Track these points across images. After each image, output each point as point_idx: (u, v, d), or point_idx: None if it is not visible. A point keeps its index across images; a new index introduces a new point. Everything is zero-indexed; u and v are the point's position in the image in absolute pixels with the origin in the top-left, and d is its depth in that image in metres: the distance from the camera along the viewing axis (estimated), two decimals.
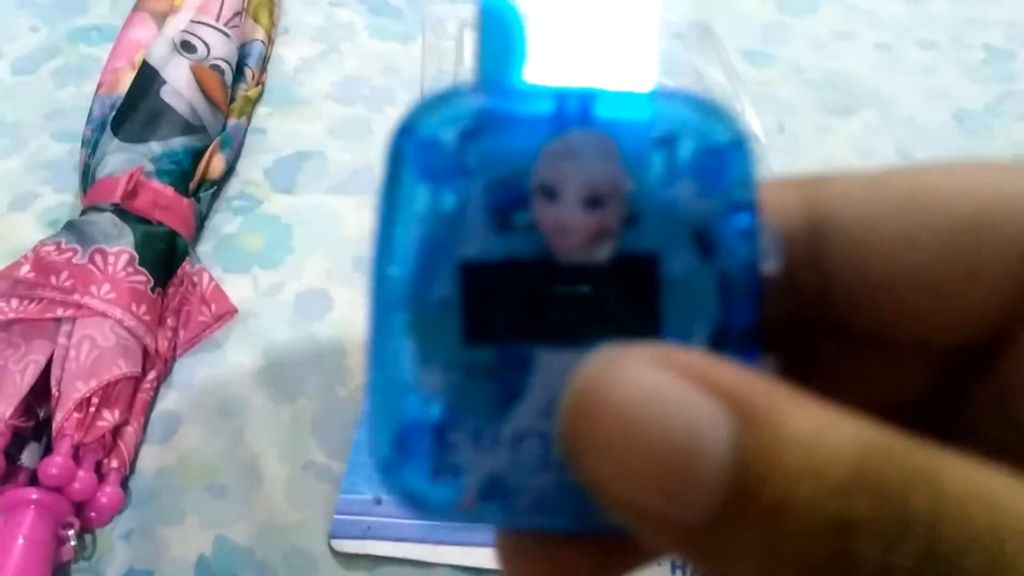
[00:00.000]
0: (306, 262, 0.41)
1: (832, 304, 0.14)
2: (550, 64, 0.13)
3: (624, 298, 0.13)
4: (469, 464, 0.13)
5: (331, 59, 0.52)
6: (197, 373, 0.37)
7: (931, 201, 0.13)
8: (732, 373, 0.11)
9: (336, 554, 0.32)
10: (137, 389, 0.34)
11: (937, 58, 0.55)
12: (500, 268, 0.13)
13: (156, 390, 0.36)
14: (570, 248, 0.13)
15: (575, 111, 0.13)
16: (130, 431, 0.33)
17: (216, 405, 0.36)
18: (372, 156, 0.46)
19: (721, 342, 0.13)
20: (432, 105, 0.13)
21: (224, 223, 0.42)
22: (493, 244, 0.13)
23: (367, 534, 0.33)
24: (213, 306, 0.38)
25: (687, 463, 0.10)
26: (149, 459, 0.34)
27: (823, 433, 0.10)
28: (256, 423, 0.35)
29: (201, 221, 0.41)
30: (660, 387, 0.10)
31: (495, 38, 0.13)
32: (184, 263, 0.38)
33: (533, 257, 0.13)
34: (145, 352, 0.35)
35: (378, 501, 0.33)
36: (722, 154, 0.13)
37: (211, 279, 0.38)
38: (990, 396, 0.13)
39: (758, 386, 0.10)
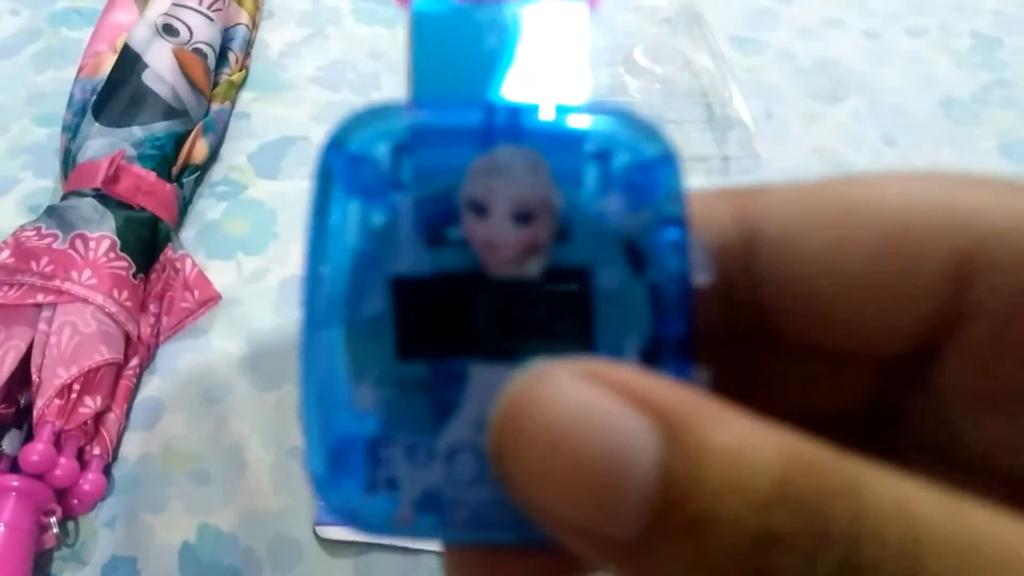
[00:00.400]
0: (291, 248, 0.41)
1: (767, 314, 0.14)
2: (480, 77, 0.13)
3: (556, 312, 0.13)
4: (404, 479, 0.13)
5: (316, 43, 0.52)
6: (181, 360, 0.37)
7: (860, 212, 0.13)
8: (660, 387, 0.11)
9: (322, 541, 0.32)
10: (119, 376, 0.34)
11: (925, 45, 0.55)
12: (432, 283, 0.13)
13: (139, 376, 0.35)
14: (501, 263, 0.13)
15: (504, 124, 0.13)
16: (112, 418, 0.33)
17: (200, 392, 0.36)
18: None
19: (653, 355, 0.13)
20: (362, 120, 0.13)
21: (208, 208, 0.42)
22: (424, 259, 0.13)
23: None
24: (196, 292, 0.37)
25: (614, 479, 0.10)
26: (132, 446, 0.34)
27: (747, 446, 0.10)
28: (240, 409, 0.35)
29: (184, 206, 0.41)
30: (588, 402, 0.10)
31: (428, 46, 0.13)
32: (167, 249, 0.38)
33: (465, 272, 0.13)
34: (127, 338, 0.34)
35: None
36: (652, 168, 0.13)
37: (194, 265, 0.38)
38: (929, 406, 0.13)
39: (685, 399, 0.10)
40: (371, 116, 0.13)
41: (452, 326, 0.13)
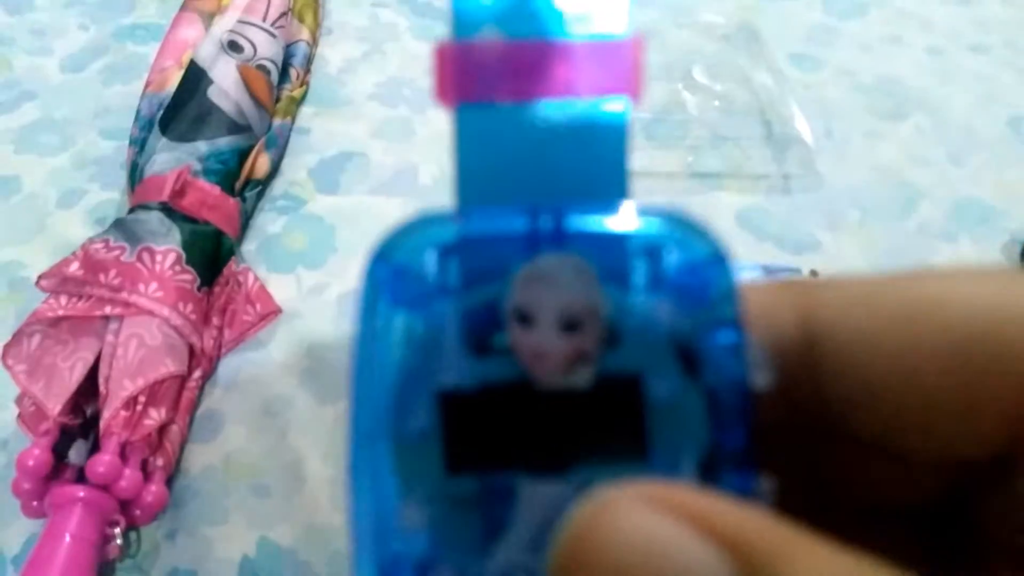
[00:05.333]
0: (349, 262, 0.41)
1: (832, 414, 0.13)
2: (527, 177, 0.13)
3: (608, 423, 0.13)
4: None
5: (374, 59, 0.52)
6: (241, 372, 0.37)
7: (931, 314, 0.12)
8: (730, 513, 0.10)
9: None
10: (183, 388, 0.35)
11: (989, 62, 0.54)
12: (478, 396, 0.13)
13: (201, 389, 0.36)
14: (549, 373, 0.13)
15: (549, 228, 0.13)
16: (175, 430, 0.34)
17: (260, 405, 0.36)
18: (414, 157, 0.46)
19: (713, 466, 0.12)
20: (407, 230, 0.13)
21: (268, 223, 0.43)
22: (471, 370, 0.13)
23: None
24: (258, 305, 0.37)
25: None
26: (194, 458, 0.35)
27: (819, 568, 0.09)
28: (300, 423, 0.35)
29: (246, 221, 0.41)
30: (655, 533, 0.10)
31: (474, 148, 0.13)
32: (230, 262, 0.38)
33: (512, 383, 0.13)
34: (191, 351, 0.35)
35: None
36: (702, 268, 0.13)
37: (256, 279, 0.38)
38: (1006, 507, 0.13)
39: (759, 527, 0.10)
40: (417, 225, 0.13)
41: (501, 440, 0.13)
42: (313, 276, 0.40)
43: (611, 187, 0.13)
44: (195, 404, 0.35)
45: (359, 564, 0.13)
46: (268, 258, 0.41)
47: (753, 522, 0.10)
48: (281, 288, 0.39)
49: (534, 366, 0.13)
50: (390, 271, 0.13)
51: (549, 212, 0.13)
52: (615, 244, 0.13)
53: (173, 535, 0.32)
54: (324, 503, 0.33)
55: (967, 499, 0.13)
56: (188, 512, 0.33)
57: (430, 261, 0.13)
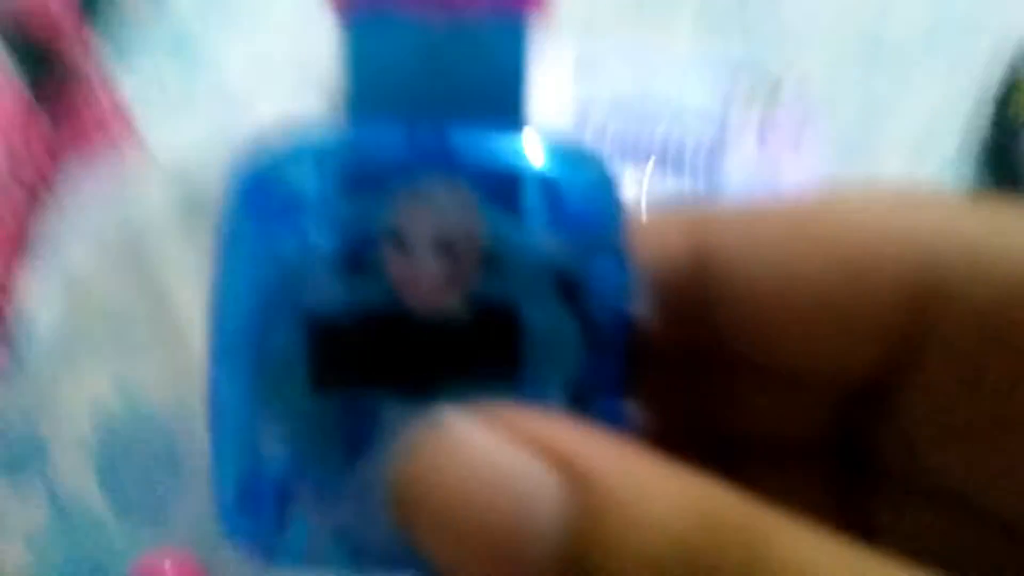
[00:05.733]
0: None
1: (724, 339, 0.14)
2: (419, 96, 0.13)
3: (480, 350, 0.13)
4: (314, 516, 0.13)
5: None
6: (97, 205, 0.33)
7: (814, 235, 0.13)
8: (571, 437, 0.10)
9: None
10: (22, 225, 0.31)
11: None
12: (346, 316, 0.13)
13: (46, 222, 0.32)
14: (421, 298, 0.12)
15: (431, 149, 0.13)
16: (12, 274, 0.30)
17: (123, 242, 0.32)
18: None
19: (583, 394, 0.13)
20: (279, 141, 0.13)
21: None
22: (339, 291, 0.12)
23: None
24: (112, 127, 0.33)
25: (517, 537, 0.10)
26: (43, 300, 0.31)
27: (650, 501, 0.10)
28: (167, 260, 0.32)
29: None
30: (493, 453, 0.10)
31: (364, 60, 0.13)
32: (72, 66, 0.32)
33: (382, 305, 0.12)
34: (23, 182, 0.30)
35: None
36: (587, 197, 0.13)
37: (110, 91, 0.33)
38: (898, 438, 0.13)
39: (599, 450, 0.10)
40: (291, 136, 0.13)
41: (367, 361, 0.13)
42: (177, 81, 0.35)
43: (506, 107, 0.13)
44: (33, 234, 0.31)
45: (218, 480, 0.13)
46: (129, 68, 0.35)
47: (594, 445, 0.10)
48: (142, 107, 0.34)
49: (407, 290, 0.12)
50: (258, 183, 0.13)
51: (434, 131, 0.13)
52: (500, 170, 0.13)
53: (19, 382, 0.30)
54: (198, 348, 0.30)
55: (858, 430, 0.14)
56: (37, 359, 0.30)
57: (303, 175, 0.12)
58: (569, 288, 0.13)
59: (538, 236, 0.13)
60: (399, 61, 0.13)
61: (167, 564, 0.28)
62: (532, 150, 0.13)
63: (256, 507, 0.13)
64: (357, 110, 0.13)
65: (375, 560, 0.13)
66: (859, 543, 0.09)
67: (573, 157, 0.13)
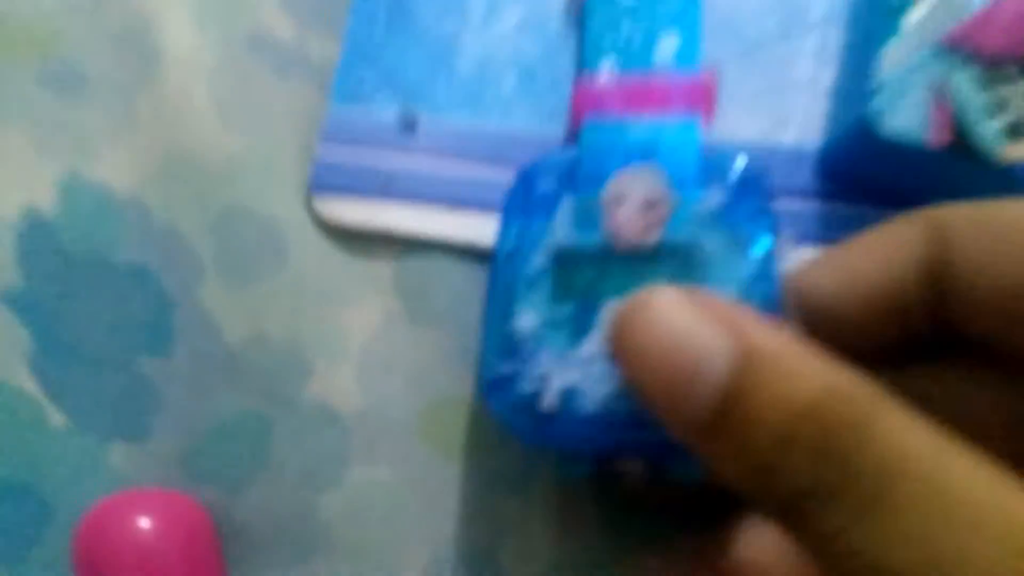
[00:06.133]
0: None
1: (957, 328, 0.16)
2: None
3: (670, 273, 0.19)
4: (553, 375, 0.19)
5: None
6: None
7: None
8: (744, 316, 0.14)
9: (323, 226, 0.24)
10: None
11: None
12: (579, 250, 0.19)
13: None
14: (631, 237, 0.19)
15: (641, 144, 0.20)
16: None
17: None
18: None
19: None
20: (541, 158, 0.21)
21: None
22: (576, 236, 0.19)
23: (385, 190, 0.24)
24: None
25: (693, 372, 0.14)
26: None
27: (797, 374, 0.13)
28: None
29: None
30: (684, 313, 0.14)
31: (590, 146, 0.21)
32: None
33: (604, 244, 0.19)
34: None
35: (409, 124, 0.24)
36: (749, 183, 0.19)
37: None
38: None
39: (761, 330, 0.14)
40: (547, 156, 0.21)
41: (590, 284, 0.19)
42: None
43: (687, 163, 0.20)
44: None
45: (487, 359, 0.19)
46: None
47: (760, 327, 0.14)
48: None
49: (618, 231, 0.19)
50: (528, 182, 0.20)
51: (641, 131, 0.20)
52: (688, 160, 0.20)
53: None
54: (206, 115, 0.24)
55: None
56: None
57: (555, 176, 0.20)
58: (737, 237, 0.19)
59: (714, 203, 0.19)
60: (614, 146, 0.20)
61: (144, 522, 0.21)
62: (713, 151, 0.20)
63: (506, 365, 0.19)
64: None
65: (593, 411, 0.18)
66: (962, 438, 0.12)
67: (732, 159, 0.19)
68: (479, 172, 0.24)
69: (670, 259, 0.19)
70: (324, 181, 0.24)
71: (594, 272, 0.19)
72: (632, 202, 0.19)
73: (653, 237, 0.19)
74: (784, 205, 0.23)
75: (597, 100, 0.21)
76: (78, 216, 0.24)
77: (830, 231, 0.23)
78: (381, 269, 0.23)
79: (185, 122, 0.24)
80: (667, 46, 0.21)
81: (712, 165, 0.19)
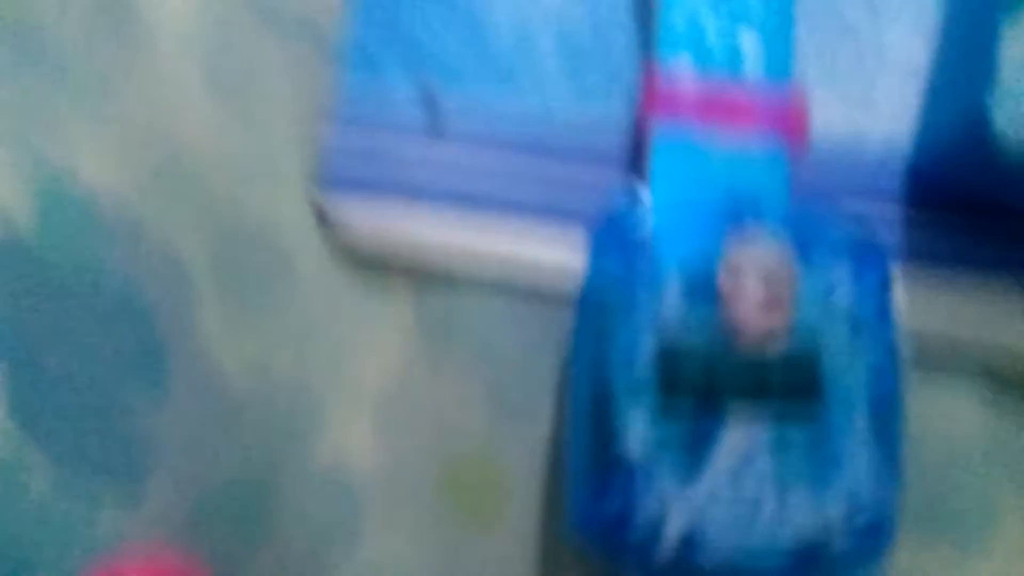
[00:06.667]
0: None
1: None
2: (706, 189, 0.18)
3: (791, 386, 0.16)
4: (670, 518, 0.16)
5: None
6: None
7: None
8: None
9: (335, 246, 0.21)
10: None
11: None
12: (690, 354, 0.16)
13: None
14: (750, 342, 0.16)
15: (747, 209, 0.17)
16: None
17: None
18: None
19: (878, 413, 0.16)
20: (623, 213, 0.17)
21: None
22: (685, 333, 0.16)
23: (406, 185, 0.20)
24: None
25: None
26: None
27: None
28: None
29: None
30: None
31: (666, 152, 0.18)
32: None
33: (719, 346, 0.16)
34: None
35: (431, 104, 0.21)
36: (865, 255, 0.17)
37: None
38: None
39: None
40: (629, 208, 0.17)
41: (707, 392, 0.16)
42: None
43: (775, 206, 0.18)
44: None
45: (578, 489, 0.17)
46: None
47: None
48: None
49: (740, 335, 0.16)
50: (611, 249, 0.17)
51: (747, 201, 0.17)
52: (808, 233, 0.17)
53: None
54: (195, 94, 0.21)
55: None
56: None
57: (646, 241, 0.17)
58: (859, 331, 0.16)
59: (836, 294, 0.16)
60: (693, 167, 0.18)
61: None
62: (825, 220, 0.17)
63: (608, 503, 0.16)
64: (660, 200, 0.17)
65: (714, 567, 0.16)
66: None
67: (858, 236, 0.17)
68: (516, 166, 0.20)
69: (789, 372, 0.16)
70: (334, 171, 0.20)
71: (707, 371, 0.16)
72: (753, 287, 0.16)
73: (775, 346, 0.16)
74: (867, 214, 0.19)
75: (672, 103, 0.18)
76: (59, 230, 0.21)
77: (919, 244, 0.20)
78: (400, 303, 0.21)
79: (177, 110, 0.20)
80: (755, 51, 0.18)
81: (815, 219, 0.17)
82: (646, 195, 0.18)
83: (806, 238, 0.17)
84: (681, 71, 0.18)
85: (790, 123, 0.18)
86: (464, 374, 0.20)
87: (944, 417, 0.20)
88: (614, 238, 0.17)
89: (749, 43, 0.18)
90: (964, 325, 0.20)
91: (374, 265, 0.21)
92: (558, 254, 0.20)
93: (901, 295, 0.18)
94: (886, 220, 0.20)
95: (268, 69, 0.21)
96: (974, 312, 0.20)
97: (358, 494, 0.20)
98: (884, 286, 0.17)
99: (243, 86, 0.21)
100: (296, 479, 0.20)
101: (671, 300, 0.16)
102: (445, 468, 0.20)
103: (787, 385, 0.16)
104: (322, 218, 0.21)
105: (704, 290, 0.16)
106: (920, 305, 0.19)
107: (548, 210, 0.20)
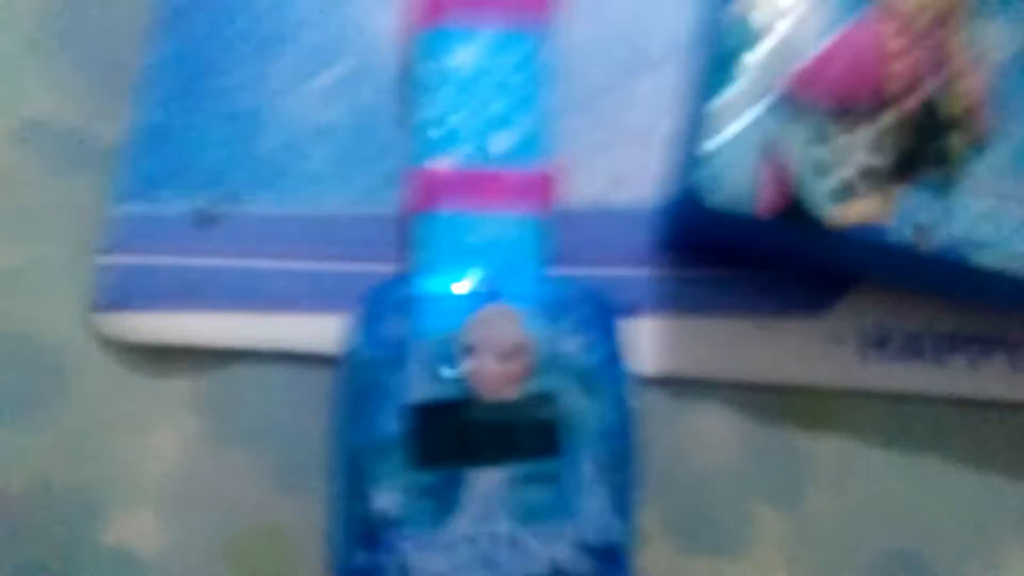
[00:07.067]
0: None
1: None
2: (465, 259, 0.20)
3: (530, 427, 0.18)
4: (415, 567, 0.17)
5: None
6: None
7: None
8: None
9: (110, 346, 0.21)
10: None
11: None
12: (438, 408, 0.18)
13: None
14: (489, 391, 0.18)
15: (488, 291, 0.19)
16: None
17: None
18: None
19: (605, 465, 0.18)
20: (382, 288, 0.19)
21: None
22: (432, 389, 0.18)
23: (182, 299, 0.21)
24: None
25: None
26: None
27: None
28: None
29: None
30: None
31: (428, 235, 0.20)
32: None
33: (463, 398, 0.18)
34: None
35: (205, 219, 0.21)
36: (597, 321, 0.19)
37: None
38: None
39: None
40: (387, 286, 0.19)
41: (454, 441, 0.18)
42: None
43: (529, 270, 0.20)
44: None
45: (336, 533, 0.18)
46: None
47: None
48: None
49: (479, 386, 0.18)
50: (368, 321, 0.19)
51: (487, 280, 0.19)
52: (537, 301, 0.19)
53: None
54: None
55: None
56: None
57: (399, 314, 0.18)
58: (591, 384, 0.18)
59: (567, 347, 0.18)
60: (452, 244, 0.19)
61: None
62: (557, 288, 0.19)
63: (359, 557, 0.17)
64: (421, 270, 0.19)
65: None
66: None
67: (587, 292, 0.19)
68: (290, 266, 0.21)
69: (534, 410, 0.18)
70: (110, 296, 0.21)
71: (455, 427, 0.18)
72: (489, 353, 0.18)
73: (512, 393, 0.18)
74: (618, 272, 0.21)
75: (433, 193, 0.20)
76: None
77: (667, 298, 0.22)
78: (179, 388, 0.21)
79: None
80: (505, 137, 0.20)
81: (558, 294, 0.19)
82: (411, 275, 0.19)
83: (546, 308, 0.18)
84: (439, 166, 0.20)
85: (538, 192, 0.20)
86: (246, 447, 0.21)
87: (701, 438, 0.21)
88: (376, 307, 0.19)
89: (500, 138, 0.20)
90: (714, 362, 0.21)
91: (150, 353, 0.21)
92: (328, 327, 0.20)
93: (649, 343, 0.20)
94: (637, 279, 0.21)
95: (36, 189, 0.22)
96: (722, 350, 0.21)
97: (145, 573, 0.20)
98: (612, 345, 0.19)
99: (10, 205, 0.22)
100: (81, 569, 0.20)
101: (421, 365, 0.18)
102: (228, 540, 0.20)
103: (526, 434, 0.18)
104: (99, 333, 0.21)
105: (451, 360, 0.18)
106: (673, 350, 0.21)
107: (318, 305, 0.21)
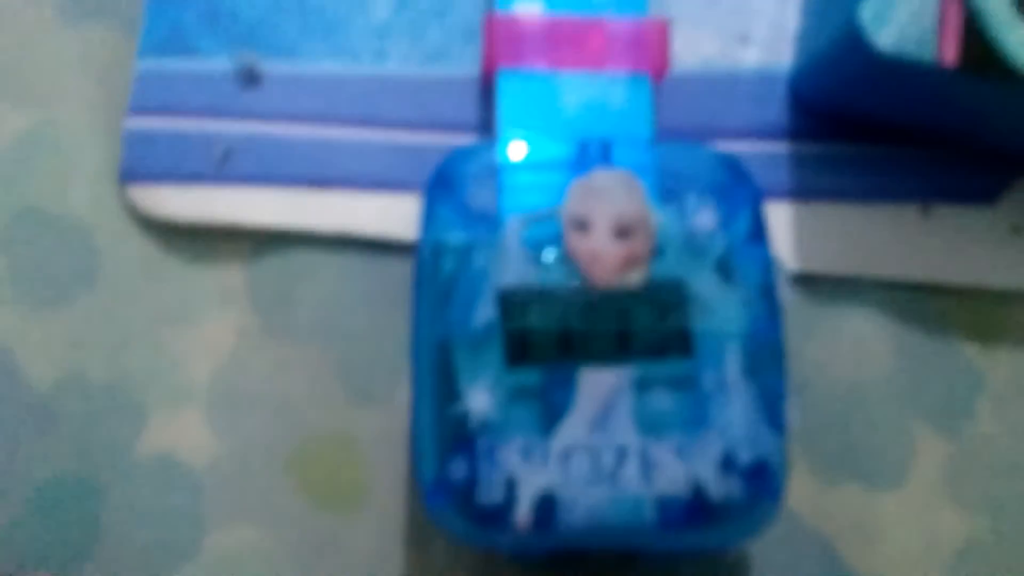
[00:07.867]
0: None
1: None
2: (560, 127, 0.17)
3: (655, 321, 0.15)
4: (521, 480, 0.14)
5: None
6: None
7: None
8: None
9: (145, 224, 0.19)
10: None
11: None
12: (538, 294, 0.15)
13: None
14: (604, 275, 0.15)
15: (596, 155, 0.16)
16: None
17: None
18: None
19: (752, 356, 0.15)
20: (464, 155, 0.16)
21: None
22: (530, 274, 0.15)
23: (224, 169, 0.18)
24: None
25: None
26: None
27: None
28: None
29: None
30: None
31: (515, 97, 0.17)
32: None
33: (568, 284, 0.15)
34: None
35: (249, 77, 0.19)
36: (735, 194, 0.16)
37: None
38: None
39: None
40: (472, 152, 0.17)
41: (559, 335, 0.15)
42: None
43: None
44: None
45: (421, 455, 0.15)
46: None
47: None
48: None
49: (591, 269, 0.15)
50: (449, 190, 0.16)
51: (595, 142, 0.16)
52: (657, 170, 0.16)
53: None
54: None
55: None
56: None
57: (487, 182, 0.16)
58: (726, 270, 0.15)
59: (696, 225, 0.15)
60: (542, 112, 0.17)
61: None
62: (680, 153, 0.17)
63: (462, 479, 0.14)
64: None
65: (579, 528, 0.14)
66: None
67: (722, 163, 0.16)
68: (349, 135, 0.19)
69: (660, 300, 0.15)
70: (139, 164, 0.18)
71: (559, 321, 0.15)
72: (601, 227, 0.15)
73: (634, 278, 0.15)
74: (744, 148, 0.18)
75: (516, 48, 0.17)
76: None
77: (806, 180, 0.19)
78: (228, 274, 0.19)
79: None
80: None
81: (686, 159, 0.16)
82: (493, 144, 0.16)
83: (668, 179, 0.16)
84: (527, 14, 0.17)
85: (647, 53, 0.17)
86: (304, 343, 0.19)
87: (849, 348, 0.19)
88: (460, 179, 0.16)
89: None
90: (864, 258, 0.19)
91: (192, 236, 0.19)
92: (400, 208, 0.18)
93: (783, 235, 0.18)
94: (764, 156, 0.19)
95: (66, 60, 0.20)
96: (874, 242, 0.19)
97: (196, 486, 0.18)
98: (756, 226, 0.16)
99: (27, 60, 0.20)
100: (122, 477, 0.18)
101: (514, 247, 0.15)
102: (290, 448, 0.18)
103: (651, 329, 0.15)
104: (133, 209, 0.19)
105: (555, 238, 0.15)
106: (813, 242, 0.19)
107: (386, 181, 0.18)
